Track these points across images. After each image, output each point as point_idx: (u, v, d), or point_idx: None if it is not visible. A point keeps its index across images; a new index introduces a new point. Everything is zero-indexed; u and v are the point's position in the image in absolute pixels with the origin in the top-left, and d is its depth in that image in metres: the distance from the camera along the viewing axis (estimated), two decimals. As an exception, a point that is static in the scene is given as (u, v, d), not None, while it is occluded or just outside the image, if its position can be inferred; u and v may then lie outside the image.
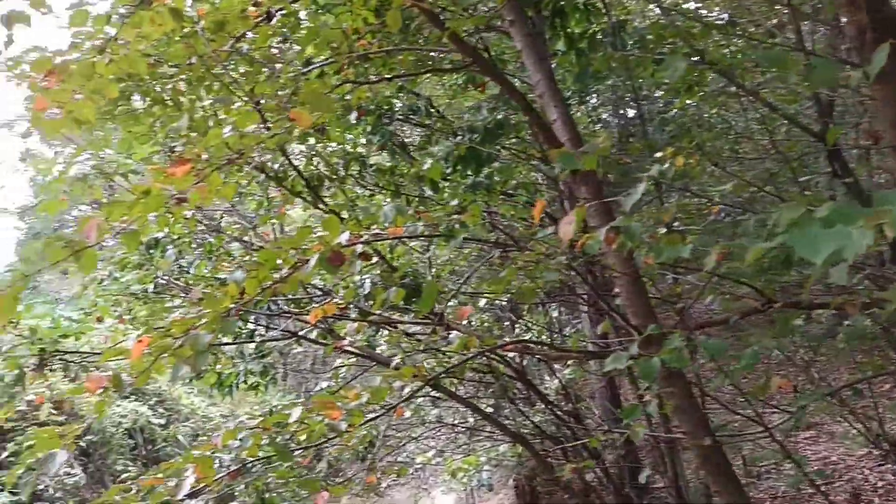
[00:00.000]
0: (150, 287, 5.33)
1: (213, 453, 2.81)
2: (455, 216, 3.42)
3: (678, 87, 5.77)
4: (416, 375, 3.25)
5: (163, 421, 11.82)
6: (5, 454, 7.96)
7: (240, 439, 2.63)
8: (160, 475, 2.79)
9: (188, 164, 2.37)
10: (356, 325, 4.23)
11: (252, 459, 2.78)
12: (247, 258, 5.06)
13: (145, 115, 4.39)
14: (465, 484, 8.42)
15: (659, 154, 6.16)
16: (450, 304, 4.68)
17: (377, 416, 3.37)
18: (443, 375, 3.45)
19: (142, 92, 4.20)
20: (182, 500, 2.49)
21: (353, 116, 4.17)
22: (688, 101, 6.76)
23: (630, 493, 6.15)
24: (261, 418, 2.81)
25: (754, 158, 5.95)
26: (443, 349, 3.97)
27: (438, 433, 8.17)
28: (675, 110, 7.80)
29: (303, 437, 3.24)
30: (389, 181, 5.34)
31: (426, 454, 8.25)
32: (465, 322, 4.25)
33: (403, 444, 7.52)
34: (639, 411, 3.01)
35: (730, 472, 3.39)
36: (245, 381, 6.53)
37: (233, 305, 2.47)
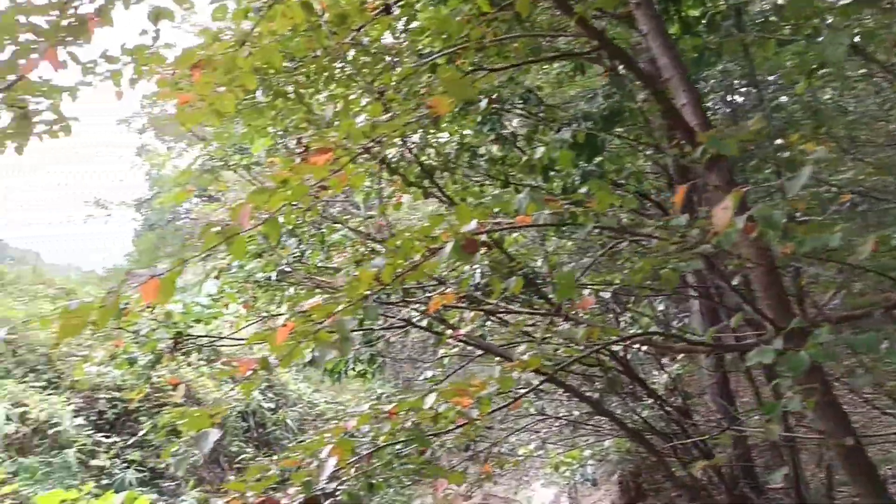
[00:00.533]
0: (273, 275, 5.50)
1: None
2: (573, 204, 3.35)
3: (801, 70, 5.49)
4: (537, 369, 3.22)
5: (272, 405, 12.27)
6: (142, 432, 8.42)
7: (375, 425, 2.67)
8: (293, 456, 2.87)
9: (328, 153, 2.41)
10: (472, 314, 4.23)
11: (384, 444, 2.82)
12: (360, 248, 5.15)
13: (268, 108, 4.52)
14: (568, 478, 8.33)
15: (779, 141, 5.86)
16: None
17: (502, 407, 3.36)
18: (565, 367, 3.41)
19: (265, 85, 4.33)
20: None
21: (483, 104, 4.17)
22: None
23: (746, 492, 5.93)
24: (392, 404, 2.84)
25: (889, 144, 5.59)
26: (558, 340, 3.91)
27: (541, 425, 8.10)
28: (790, 96, 7.42)
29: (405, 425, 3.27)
30: (500, 171, 5.31)
31: (528, 446, 8.21)
32: (578, 313, 4.18)
33: (507, 436, 7.49)
34: (778, 407, 2.88)
35: (873, 474, 3.20)
36: (353, 369, 6.68)
37: (369, 292, 2.51)
